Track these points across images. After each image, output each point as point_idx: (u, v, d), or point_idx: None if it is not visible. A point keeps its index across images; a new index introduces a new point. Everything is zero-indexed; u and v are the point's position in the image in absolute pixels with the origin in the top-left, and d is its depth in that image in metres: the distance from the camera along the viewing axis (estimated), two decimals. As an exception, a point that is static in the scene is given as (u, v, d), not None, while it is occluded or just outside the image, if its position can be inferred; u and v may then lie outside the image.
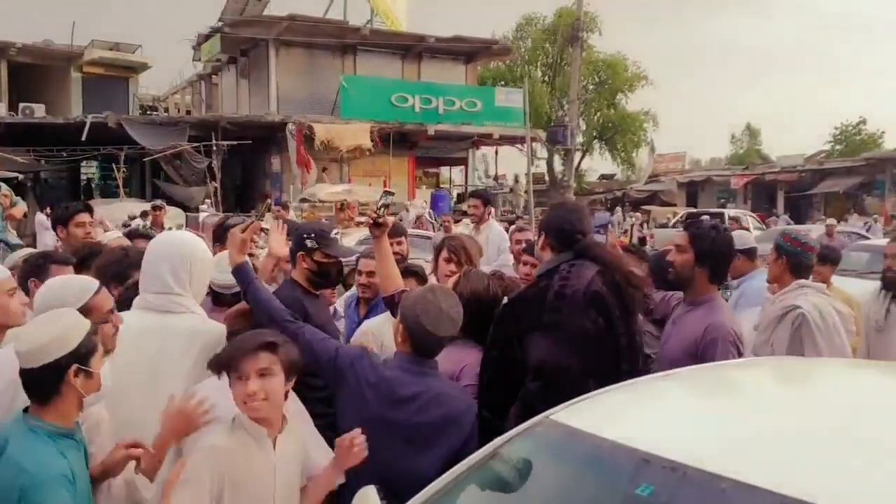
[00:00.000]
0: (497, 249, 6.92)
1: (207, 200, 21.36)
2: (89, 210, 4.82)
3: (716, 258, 3.42)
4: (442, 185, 31.54)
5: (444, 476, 2.21)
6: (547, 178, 39.75)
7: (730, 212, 24.23)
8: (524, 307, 3.09)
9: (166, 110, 34.69)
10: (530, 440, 2.19)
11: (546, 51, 41.52)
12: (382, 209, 3.38)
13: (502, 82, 37.05)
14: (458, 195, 29.87)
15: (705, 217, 17.29)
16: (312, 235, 3.43)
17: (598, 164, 48.91)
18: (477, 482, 2.21)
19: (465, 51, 28.92)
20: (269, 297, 3.09)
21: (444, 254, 4.21)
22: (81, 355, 2.23)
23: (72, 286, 2.70)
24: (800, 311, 3.76)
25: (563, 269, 3.04)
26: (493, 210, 7.45)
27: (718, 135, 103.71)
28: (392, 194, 3.79)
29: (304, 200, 20.20)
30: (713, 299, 3.43)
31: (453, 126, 26.20)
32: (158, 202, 11.64)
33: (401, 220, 11.86)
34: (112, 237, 5.53)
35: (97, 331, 2.34)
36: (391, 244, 4.58)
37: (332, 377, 2.90)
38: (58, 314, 2.33)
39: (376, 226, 3.38)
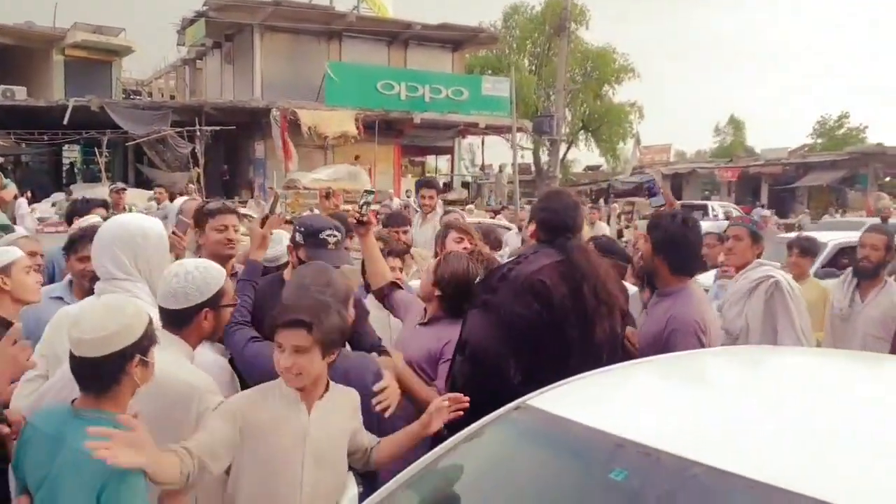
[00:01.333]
0: None
1: (192, 185, 21.20)
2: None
3: (671, 248, 3.32)
4: (428, 174, 31.47)
5: (418, 461, 2.19)
6: (533, 168, 39.77)
7: (714, 205, 24.33)
8: (477, 288, 3.15)
9: (150, 95, 34.39)
10: (506, 425, 2.18)
11: (534, 40, 41.48)
12: (364, 207, 3.48)
13: (489, 71, 36.97)
14: (445, 184, 29.84)
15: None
16: (302, 230, 3.35)
17: (583, 155, 49.01)
18: (451, 467, 2.19)
19: (451, 38, 28.84)
20: (249, 301, 3.09)
21: (454, 235, 4.20)
22: (143, 346, 2.22)
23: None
24: (773, 279, 3.91)
25: (523, 256, 3.05)
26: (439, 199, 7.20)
27: (703, 127, 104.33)
28: (373, 193, 3.88)
29: (287, 187, 20.10)
30: (680, 290, 3.33)
31: (440, 114, 26.14)
32: (120, 185, 11.41)
33: (387, 209, 11.81)
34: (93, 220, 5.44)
35: (152, 320, 2.32)
36: (398, 233, 4.59)
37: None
38: (120, 303, 2.32)
39: (360, 224, 3.49)
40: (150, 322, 2.28)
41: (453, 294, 3.37)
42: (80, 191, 17.94)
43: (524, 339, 2.81)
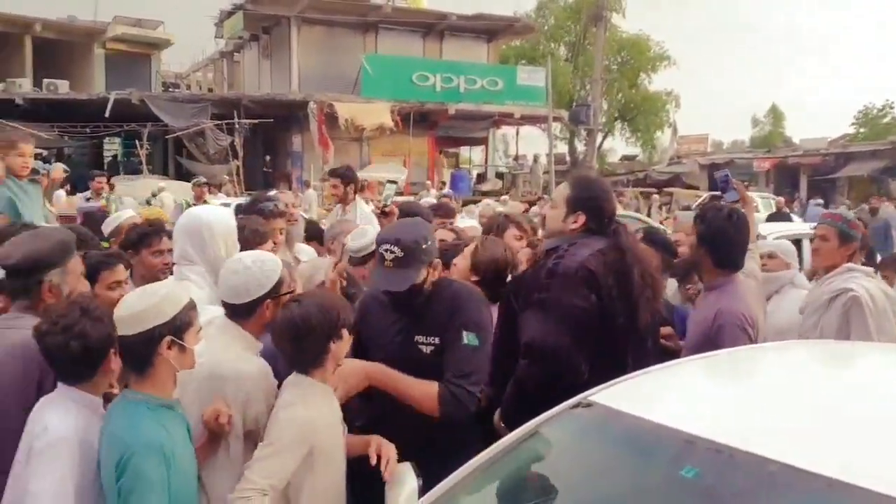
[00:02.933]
0: None
1: (226, 177, 21.42)
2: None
3: (715, 241, 3.29)
4: (462, 166, 31.47)
5: (480, 455, 2.22)
6: (568, 158, 39.54)
7: (752, 195, 24.02)
8: (520, 286, 3.08)
9: (188, 87, 34.80)
10: (569, 421, 2.20)
11: (568, 29, 41.15)
12: (388, 198, 3.61)
13: (523, 61, 36.79)
14: (478, 175, 29.80)
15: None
16: None
17: (619, 145, 48.54)
18: (514, 463, 2.22)
19: (486, 29, 28.73)
20: None
21: (514, 231, 4.13)
22: (176, 328, 2.25)
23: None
24: (851, 294, 3.67)
25: (562, 248, 2.99)
26: (357, 188, 5.98)
27: (740, 117, 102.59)
28: (395, 183, 4.02)
29: (324, 179, 20.24)
30: (725, 284, 3.31)
31: (474, 105, 26.06)
32: (202, 179, 11.91)
33: (420, 201, 11.89)
34: (126, 216, 5.55)
35: (194, 306, 2.37)
36: (444, 224, 4.59)
37: None
38: (158, 286, 2.41)
39: (384, 215, 3.60)
40: (188, 307, 2.32)
41: (491, 279, 3.43)
42: (122, 183, 18.25)
43: (586, 332, 2.79)
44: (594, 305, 2.83)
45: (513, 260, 3.55)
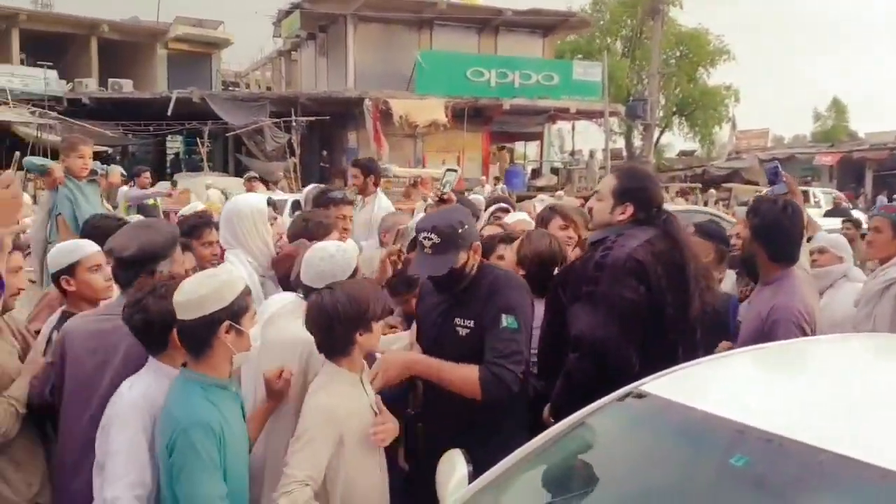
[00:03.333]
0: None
1: (280, 174, 21.76)
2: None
3: (769, 234, 3.22)
4: (516, 161, 31.38)
5: (531, 442, 2.25)
6: (624, 153, 39.10)
7: (815, 190, 23.43)
8: (568, 279, 3.09)
9: (247, 86, 35.42)
10: (619, 411, 2.21)
11: (624, 23, 40.67)
12: (447, 185, 3.67)
13: (579, 56, 36.48)
14: (533, 171, 29.66)
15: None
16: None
17: (677, 140, 47.77)
18: (563, 452, 2.24)
19: (542, 24, 28.55)
20: None
21: (559, 222, 4.11)
22: (234, 312, 2.35)
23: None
24: None
25: (609, 239, 2.97)
26: (378, 181, 6.09)
27: (801, 111, 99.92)
28: (455, 171, 4.08)
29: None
30: (781, 278, 3.23)
31: (529, 100, 25.91)
32: (252, 174, 12.30)
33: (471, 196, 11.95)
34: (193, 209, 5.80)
35: (249, 291, 2.47)
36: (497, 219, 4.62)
37: None
38: (216, 271, 2.51)
39: (441, 201, 3.66)
40: (245, 293, 2.42)
41: (537, 272, 3.43)
42: (183, 179, 18.73)
43: (635, 323, 2.79)
44: (643, 297, 2.82)
45: (560, 252, 3.55)
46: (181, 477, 2.20)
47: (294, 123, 23.09)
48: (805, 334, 3.03)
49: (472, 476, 2.26)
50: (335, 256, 2.90)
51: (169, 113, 22.37)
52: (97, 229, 3.73)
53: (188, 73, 28.04)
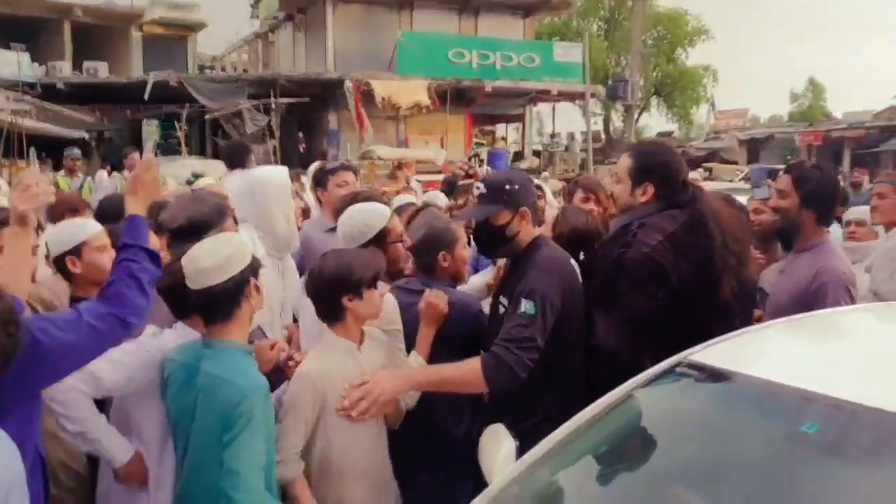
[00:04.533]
0: None
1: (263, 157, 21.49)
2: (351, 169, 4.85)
3: (822, 198, 3.21)
4: (498, 144, 31.27)
5: (581, 414, 2.18)
6: (603, 135, 39.15)
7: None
8: (593, 268, 2.95)
9: (223, 70, 34.91)
10: (671, 381, 2.15)
11: (602, 4, 40.60)
12: (474, 159, 3.54)
13: (557, 37, 36.35)
14: (516, 153, 29.59)
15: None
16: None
17: (655, 121, 47.92)
18: (616, 424, 2.17)
19: (522, 5, 28.34)
20: None
21: (581, 194, 4.03)
22: (255, 269, 2.40)
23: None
24: None
25: (632, 228, 2.83)
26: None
27: (778, 91, 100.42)
28: (483, 145, 3.98)
29: (363, 158, 20.25)
30: (822, 242, 3.22)
31: (511, 82, 25.79)
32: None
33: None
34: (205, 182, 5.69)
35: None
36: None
37: None
38: (225, 235, 2.58)
39: (467, 177, 3.56)
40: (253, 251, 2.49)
41: (575, 249, 3.25)
42: (161, 164, 18.39)
43: (652, 329, 2.66)
44: (662, 302, 2.71)
45: (597, 228, 3.40)
46: (242, 438, 2.21)
47: (273, 105, 22.79)
48: (852, 297, 3.01)
49: (519, 450, 2.19)
50: (356, 217, 3.04)
51: (146, 97, 21.99)
52: (114, 207, 3.63)
53: (164, 57, 27.53)
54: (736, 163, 34.17)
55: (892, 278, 3.71)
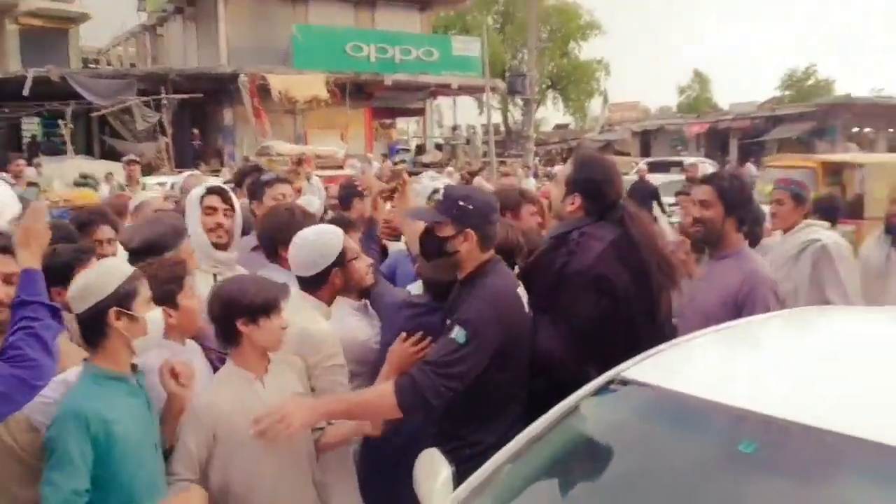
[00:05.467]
0: None
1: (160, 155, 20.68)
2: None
3: (743, 206, 3.32)
4: (400, 138, 31.17)
5: (515, 440, 2.09)
6: (503, 128, 39.57)
7: (688, 160, 24.34)
8: (533, 280, 2.88)
9: (109, 64, 33.45)
10: (606, 399, 2.09)
11: (496, -1, 41.04)
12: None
13: (453, 31, 36.51)
14: (418, 147, 29.52)
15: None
16: None
17: (551, 114, 48.75)
18: (553, 442, 2.10)
19: (419, -2, 28.34)
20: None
21: (531, 208, 3.93)
22: (121, 298, 2.32)
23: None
24: (820, 244, 3.93)
25: (573, 237, 2.80)
26: None
27: (668, 83, 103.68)
28: (409, 151, 3.93)
29: (261, 154, 19.73)
30: (742, 248, 3.32)
31: (410, 76, 25.73)
32: (133, 157, 11.08)
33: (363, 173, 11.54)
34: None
35: (140, 276, 2.42)
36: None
37: None
38: (101, 262, 2.56)
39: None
40: (133, 277, 2.38)
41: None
42: (46, 164, 17.45)
43: (598, 341, 2.63)
44: (607, 310, 2.69)
45: (517, 238, 3.30)
46: (49, 464, 2.16)
47: (165, 101, 21.95)
48: (778, 299, 3.12)
49: (455, 476, 2.09)
50: (315, 242, 2.96)
51: (25, 93, 20.76)
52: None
53: (44, 51, 26.07)
54: (629, 154, 35.13)
55: (788, 279, 3.90)
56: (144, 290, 2.41)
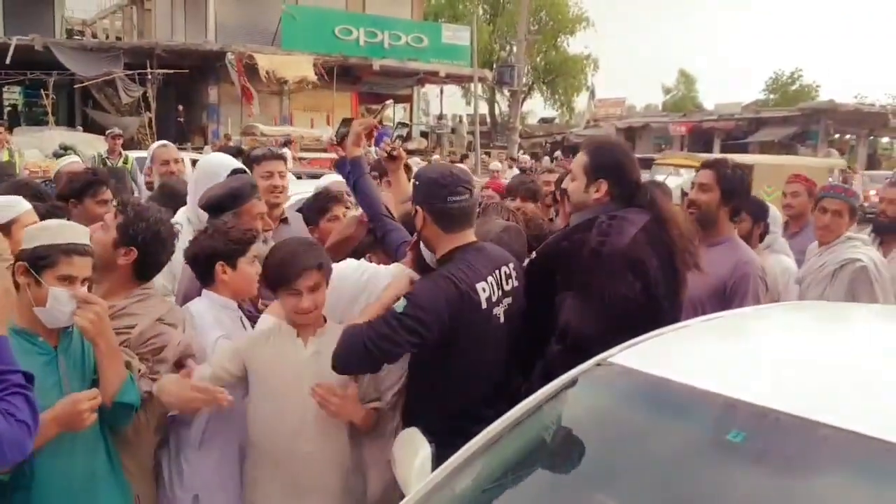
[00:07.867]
0: None
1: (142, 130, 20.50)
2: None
3: (740, 195, 3.41)
4: (386, 123, 31.03)
5: (498, 422, 2.10)
6: (489, 119, 39.53)
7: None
8: (557, 262, 2.86)
9: (94, 36, 32.94)
10: (593, 382, 2.10)
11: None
12: (398, 140, 3.39)
13: (443, 19, 36.36)
14: (401, 123, 29.42)
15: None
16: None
17: (538, 107, 48.82)
18: (534, 429, 2.10)
19: (410, -17, 28.19)
20: (375, 190, 3.34)
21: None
22: (34, 259, 2.29)
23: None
24: (860, 265, 3.73)
25: (602, 221, 2.76)
26: None
27: (654, 81, 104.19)
28: (407, 126, 3.83)
29: (245, 133, 19.62)
30: (733, 237, 3.41)
31: (399, 62, 25.60)
32: (117, 131, 10.88)
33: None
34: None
35: (65, 248, 2.34)
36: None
37: None
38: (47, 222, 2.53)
39: (391, 158, 3.40)
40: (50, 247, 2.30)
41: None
42: (26, 135, 17.24)
43: (629, 322, 2.56)
44: (639, 293, 2.67)
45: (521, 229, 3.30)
46: None
47: (150, 76, 21.72)
48: (767, 287, 3.23)
49: (435, 456, 2.09)
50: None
51: (7, 61, 20.44)
52: None
53: (27, 19, 25.56)
54: (614, 150, 35.05)
55: (822, 298, 3.77)
56: (62, 266, 2.32)
